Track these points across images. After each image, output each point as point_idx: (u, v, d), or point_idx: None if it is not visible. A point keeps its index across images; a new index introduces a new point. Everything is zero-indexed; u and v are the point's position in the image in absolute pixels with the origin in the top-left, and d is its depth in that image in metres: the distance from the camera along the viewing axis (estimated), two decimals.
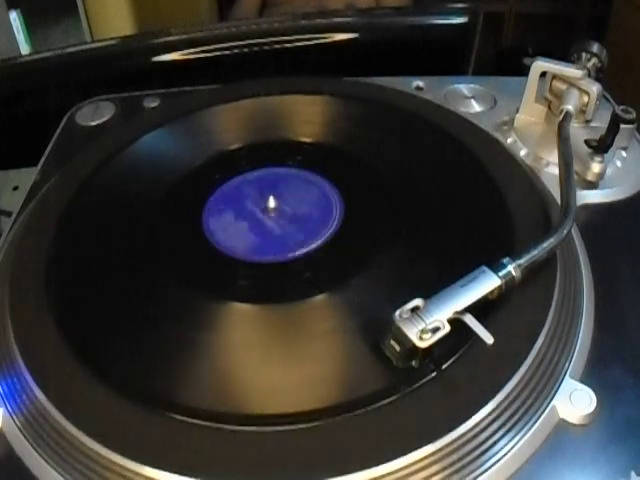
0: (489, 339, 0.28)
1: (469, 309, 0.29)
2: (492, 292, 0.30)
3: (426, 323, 0.29)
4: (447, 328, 0.28)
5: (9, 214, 0.44)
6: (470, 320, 0.29)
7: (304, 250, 0.37)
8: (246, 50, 0.65)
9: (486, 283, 0.30)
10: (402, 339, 0.29)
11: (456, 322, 0.29)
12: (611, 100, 0.46)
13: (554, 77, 0.44)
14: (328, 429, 0.27)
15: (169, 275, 0.36)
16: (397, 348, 0.29)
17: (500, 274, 0.31)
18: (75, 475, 0.28)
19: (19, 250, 0.38)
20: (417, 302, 0.30)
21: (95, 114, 0.52)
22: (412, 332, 0.28)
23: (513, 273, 0.31)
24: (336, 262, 0.36)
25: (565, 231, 0.33)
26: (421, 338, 0.28)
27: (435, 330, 0.28)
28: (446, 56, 0.66)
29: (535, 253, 0.32)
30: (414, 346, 0.28)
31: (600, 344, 0.32)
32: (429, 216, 0.39)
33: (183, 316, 0.34)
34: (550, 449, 0.28)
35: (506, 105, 0.48)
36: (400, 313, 0.29)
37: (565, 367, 0.31)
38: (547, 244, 0.32)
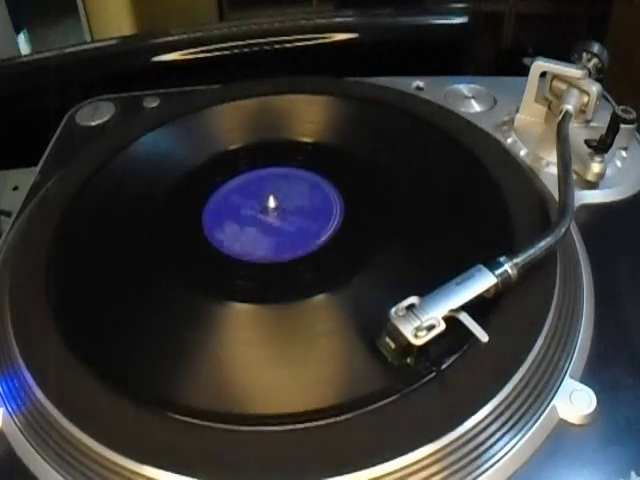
0: (484, 337, 0.28)
1: (465, 307, 0.30)
2: (488, 290, 0.30)
3: (421, 321, 0.29)
4: (442, 326, 0.29)
5: (9, 214, 0.44)
6: (465, 318, 0.29)
7: (304, 250, 0.37)
8: (246, 50, 0.65)
9: (482, 281, 0.30)
10: (397, 336, 0.29)
11: (452, 320, 0.29)
12: (611, 100, 0.46)
13: (554, 77, 0.44)
14: (328, 429, 0.27)
15: (169, 275, 0.36)
16: (392, 345, 0.29)
17: (496, 272, 0.31)
18: (75, 475, 0.28)
19: (19, 250, 0.38)
20: (413, 300, 0.30)
21: (95, 114, 0.52)
22: (407, 329, 0.29)
23: (509, 271, 0.31)
24: (336, 262, 0.36)
25: (563, 230, 0.33)
26: (416, 336, 0.28)
27: (430, 328, 0.29)
28: (446, 56, 0.66)
29: (532, 252, 0.32)
30: (409, 344, 0.28)
31: (600, 344, 0.32)
32: (429, 216, 0.39)
33: (183, 316, 0.34)
34: (550, 449, 0.28)
35: (506, 105, 0.48)
36: (395, 310, 0.29)
37: (565, 367, 0.31)
38: (544, 243, 0.32)
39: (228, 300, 0.34)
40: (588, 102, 0.42)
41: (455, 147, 0.42)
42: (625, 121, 0.40)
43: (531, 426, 0.29)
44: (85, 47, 0.71)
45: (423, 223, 0.38)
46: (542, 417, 0.29)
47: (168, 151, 0.46)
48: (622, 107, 0.40)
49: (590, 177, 0.41)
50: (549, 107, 0.45)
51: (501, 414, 0.28)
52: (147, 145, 0.46)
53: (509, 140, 0.45)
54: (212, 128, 0.48)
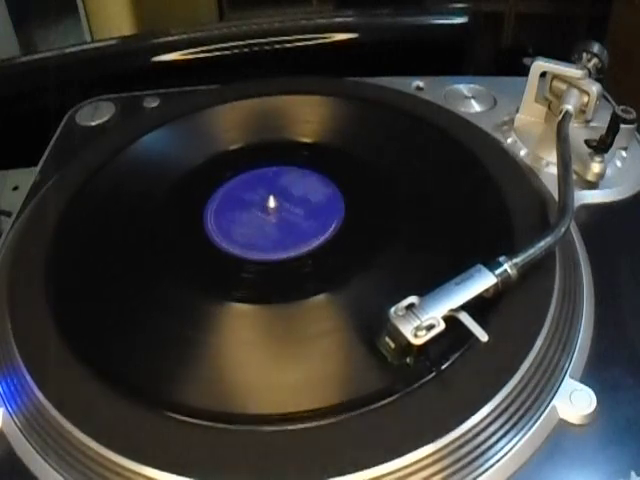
0: (483, 337, 0.28)
1: (465, 307, 0.30)
2: (488, 290, 0.30)
3: (421, 320, 0.29)
4: (442, 325, 0.29)
5: (9, 214, 0.44)
6: (465, 318, 0.29)
7: (304, 250, 0.37)
8: (246, 50, 0.65)
9: (482, 281, 0.30)
10: (397, 336, 0.29)
11: (452, 320, 0.29)
12: (611, 100, 0.46)
13: (554, 77, 0.44)
14: (328, 429, 0.27)
15: (170, 275, 0.36)
16: (392, 345, 0.29)
17: (496, 272, 0.31)
18: (75, 475, 0.28)
19: (19, 250, 0.38)
20: (412, 299, 0.30)
21: (95, 114, 0.52)
22: (407, 329, 0.29)
23: (509, 271, 0.31)
24: (336, 262, 0.36)
25: (562, 230, 0.33)
26: (416, 335, 0.28)
27: (430, 327, 0.29)
28: (446, 56, 0.66)
29: (532, 252, 0.32)
30: (409, 343, 0.28)
31: (600, 344, 0.32)
32: (429, 216, 0.39)
33: (183, 316, 0.34)
34: (550, 449, 0.28)
35: (506, 105, 0.48)
36: (395, 310, 0.29)
37: (565, 367, 0.31)
38: (544, 243, 0.32)
39: (228, 300, 0.34)
40: (588, 102, 0.42)
41: (455, 147, 0.42)
42: (625, 121, 0.40)
43: (531, 426, 0.29)
44: (85, 47, 0.71)
45: (423, 223, 0.38)
46: (542, 417, 0.29)
47: (168, 151, 0.46)
48: (622, 107, 0.40)
49: (590, 177, 0.41)
50: (549, 107, 0.45)
51: (501, 414, 0.28)
52: (147, 145, 0.46)
53: (509, 140, 0.45)
54: (212, 128, 0.48)
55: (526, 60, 0.45)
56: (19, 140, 0.58)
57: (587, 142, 0.40)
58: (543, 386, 0.29)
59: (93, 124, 0.51)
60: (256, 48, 0.65)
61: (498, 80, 0.52)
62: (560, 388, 0.30)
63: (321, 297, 0.34)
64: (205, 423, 0.28)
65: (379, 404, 0.28)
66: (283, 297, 0.34)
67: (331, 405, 0.28)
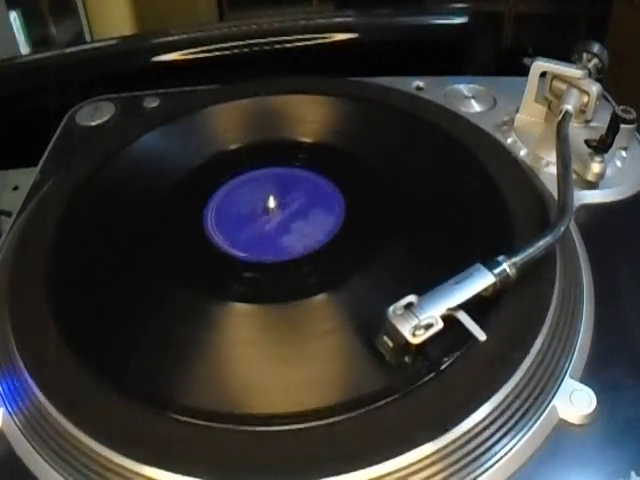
0: (482, 336, 0.29)
1: (464, 306, 0.30)
2: (486, 290, 0.30)
3: (419, 319, 0.29)
4: (440, 325, 0.29)
5: (9, 214, 0.44)
6: (463, 317, 0.29)
7: (305, 250, 0.37)
8: (246, 50, 0.65)
9: (480, 280, 0.30)
10: (395, 335, 0.29)
11: (451, 319, 0.29)
12: (611, 100, 0.46)
13: (554, 77, 0.44)
14: (328, 429, 0.27)
15: (170, 275, 0.36)
16: (390, 344, 0.29)
17: (495, 272, 0.31)
18: (75, 475, 0.28)
19: (19, 250, 0.38)
20: (411, 298, 0.30)
21: (95, 114, 0.52)
22: (405, 328, 0.29)
23: (508, 271, 0.31)
24: (337, 262, 0.36)
25: (562, 229, 0.33)
26: (414, 334, 0.28)
27: (428, 327, 0.29)
28: (446, 56, 0.66)
29: (531, 251, 0.32)
30: (407, 342, 0.28)
31: (600, 344, 0.32)
32: (428, 215, 0.39)
33: (184, 316, 0.34)
34: (550, 449, 0.28)
35: (506, 105, 0.48)
36: (394, 309, 0.29)
37: (565, 367, 0.31)
38: (543, 242, 0.32)
39: (228, 300, 0.34)
40: (588, 102, 0.42)
41: (455, 147, 0.42)
42: (625, 121, 0.40)
43: (531, 426, 0.29)
44: (85, 47, 0.71)
45: (423, 222, 0.38)
46: (542, 417, 0.29)
47: (168, 151, 0.46)
48: (622, 107, 0.40)
49: (590, 177, 0.41)
50: (549, 107, 0.45)
51: (501, 414, 0.28)
52: (147, 145, 0.46)
53: (509, 140, 0.45)
54: (212, 128, 0.48)
55: (526, 60, 0.45)
56: (19, 140, 0.58)
57: (587, 142, 0.40)
58: (543, 386, 0.29)
59: (93, 124, 0.51)
60: (256, 48, 0.65)
61: (498, 80, 0.52)
62: (560, 388, 0.30)
63: (320, 297, 0.34)
64: (205, 423, 0.28)
65: (378, 404, 0.28)
66: (283, 297, 0.34)
67: (331, 405, 0.28)
